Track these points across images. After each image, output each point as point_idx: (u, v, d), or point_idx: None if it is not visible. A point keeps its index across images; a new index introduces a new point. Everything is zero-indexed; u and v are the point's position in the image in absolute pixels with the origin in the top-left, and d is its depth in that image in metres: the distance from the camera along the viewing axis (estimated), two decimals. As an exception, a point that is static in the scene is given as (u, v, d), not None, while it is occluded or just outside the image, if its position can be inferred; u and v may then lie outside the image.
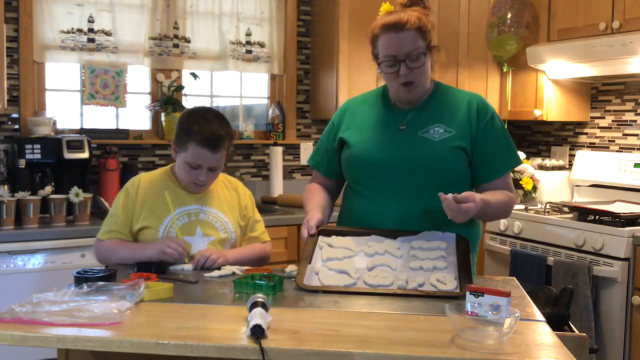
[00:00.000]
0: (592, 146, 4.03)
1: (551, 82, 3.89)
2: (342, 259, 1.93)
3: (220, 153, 2.16)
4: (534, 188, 3.89)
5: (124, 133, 3.71)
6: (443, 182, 2.04)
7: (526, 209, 3.58)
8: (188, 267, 2.09)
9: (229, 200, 2.30)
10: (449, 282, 1.79)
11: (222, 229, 2.24)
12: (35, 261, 2.93)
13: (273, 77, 4.20)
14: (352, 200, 2.18)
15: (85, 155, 3.30)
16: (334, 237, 2.04)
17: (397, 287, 1.79)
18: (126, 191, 2.25)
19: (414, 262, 1.89)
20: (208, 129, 2.14)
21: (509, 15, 3.84)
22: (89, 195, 3.18)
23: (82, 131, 3.59)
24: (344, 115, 2.22)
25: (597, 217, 3.26)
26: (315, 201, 2.18)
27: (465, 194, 1.85)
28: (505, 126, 4.31)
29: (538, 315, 1.65)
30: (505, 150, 2.11)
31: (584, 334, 1.74)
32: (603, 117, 3.96)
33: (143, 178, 2.28)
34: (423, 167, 2.03)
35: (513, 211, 3.50)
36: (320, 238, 2.03)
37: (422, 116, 2.10)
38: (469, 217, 1.88)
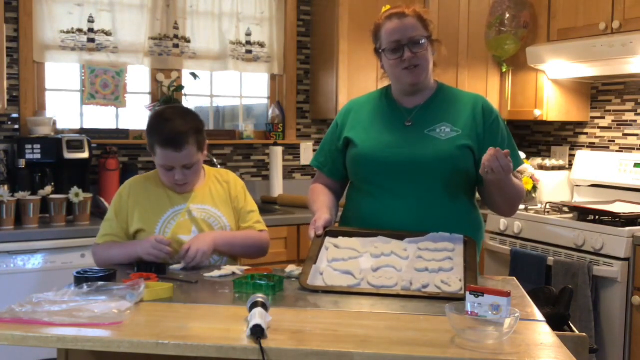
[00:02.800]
0: (592, 146, 4.03)
1: (551, 82, 3.88)
2: (347, 259, 1.93)
3: (186, 150, 2.12)
4: (534, 188, 3.88)
5: (124, 133, 3.71)
6: (450, 181, 2.06)
7: (526, 209, 3.58)
8: (181, 266, 2.09)
9: (220, 194, 2.29)
10: (453, 283, 1.79)
11: (217, 225, 2.23)
12: (35, 261, 2.93)
13: (273, 77, 4.20)
14: (358, 199, 2.18)
15: (85, 155, 3.30)
16: (340, 238, 2.04)
17: (400, 288, 1.79)
18: (119, 195, 2.26)
19: (419, 263, 1.89)
20: (168, 128, 2.11)
21: (507, 16, 3.85)
22: (89, 195, 3.18)
23: (82, 131, 3.59)
24: (348, 116, 2.22)
25: (597, 217, 3.25)
26: (322, 201, 2.17)
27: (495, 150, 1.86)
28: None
29: (538, 315, 1.65)
30: (511, 149, 2.09)
31: (584, 334, 1.74)
32: (603, 117, 3.96)
33: (135, 181, 2.29)
34: (431, 166, 2.04)
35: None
36: (327, 239, 2.03)
37: (428, 114, 2.11)
38: (509, 172, 1.89)
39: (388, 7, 2.15)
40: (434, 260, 1.89)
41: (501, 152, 1.84)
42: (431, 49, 2.10)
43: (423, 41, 2.05)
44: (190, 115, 2.20)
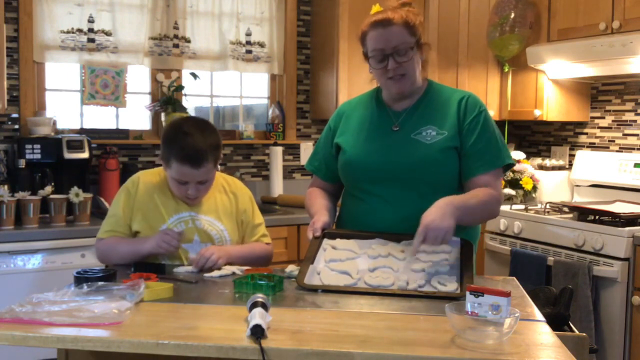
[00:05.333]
0: (592, 146, 4.03)
1: (551, 82, 3.88)
2: (344, 260, 1.93)
3: (204, 168, 2.09)
4: (534, 188, 3.88)
5: (124, 133, 3.71)
6: (438, 184, 2.04)
7: (526, 209, 3.58)
8: (191, 269, 2.07)
9: (226, 206, 2.25)
10: (449, 284, 1.79)
11: (217, 238, 2.20)
12: (35, 261, 2.93)
13: (273, 77, 4.20)
14: (350, 203, 2.19)
15: (85, 155, 3.30)
16: (338, 239, 2.04)
17: (397, 288, 1.79)
18: (127, 190, 2.21)
19: (416, 265, 1.89)
20: (189, 144, 2.05)
21: (512, 15, 3.83)
22: (89, 195, 3.18)
23: (82, 131, 3.59)
24: (340, 120, 2.22)
25: (597, 217, 3.25)
26: (319, 204, 2.16)
27: (422, 228, 1.80)
28: (506, 128, 4.29)
29: (538, 315, 1.65)
30: (489, 146, 2.05)
31: (584, 334, 1.74)
32: (603, 117, 3.96)
33: (142, 178, 2.24)
34: (416, 171, 2.03)
35: (513, 211, 3.54)
36: (325, 240, 2.03)
37: (415, 117, 2.09)
38: (449, 231, 1.82)
39: (377, 7, 2.09)
40: (431, 262, 1.89)
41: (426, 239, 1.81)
42: (419, 53, 2.06)
43: (408, 51, 2.00)
44: (209, 130, 2.14)
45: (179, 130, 2.10)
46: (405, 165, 2.04)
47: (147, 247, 2.09)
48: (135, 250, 2.11)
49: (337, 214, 2.28)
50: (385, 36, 2.00)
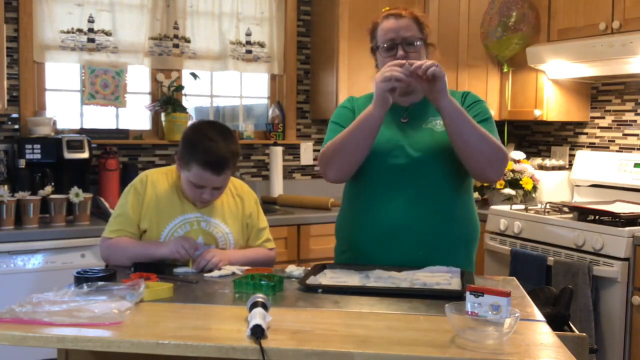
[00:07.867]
0: (592, 146, 4.03)
1: (551, 82, 3.88)
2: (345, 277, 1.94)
3: (225, 174, 2.11)
4: (534, 188, 3.88)
5: (124, 133, 3.71)
6: (447, 172, 2.07)
7: (526, 209, 3.58)
8: (191, 270, 2.08)
9: (232, 209, 2.26)
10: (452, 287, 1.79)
11: (222, 241, 2.21)
12: (35, 261, 2.93)
13: (273, 77, 4.20)
14: (352, 196, 2.19)
15: (85, 155, 3.30)
16: (338, 269, 2.04)
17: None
18: (135, 190, 2.20)
19: (417, 281, 1.88)
20: (212, 151, 2.07)
21: (516, 14, 3.80)
22: (89, 195, 3.18)
23: (82, 131, 3.59)
24: (354, 104, 2.24)
25: (597, 217, 3.25)
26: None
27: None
28: (506, 128, 4.28)
29: (538, 315, 1.65)
30: (488, 125, 2.08)
31: (584, 334, 1.74)
32: (603, 117, 3.96)
33: (151, 177, 2.23)
34: (430, 155, 2.06)
35: (513, 211, 3.54)
36: (325, 270, 2.03)
37: (422, 110, 2.15)
38: (440, 83, 1.92)
39: (388, 8, 2.19)
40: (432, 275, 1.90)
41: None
42: (425, 51, 2.15)
43: (417, 42, 2.10)
44: (231, 137, 2.15)
45: (203, 135, 2.11)
46: (420, 147, 2.07)
47: (162, 252, 2.09)
48: (149, 254, 2.11)
49: (338, 216, 2.27)
50: (396, 26, 2.11)
